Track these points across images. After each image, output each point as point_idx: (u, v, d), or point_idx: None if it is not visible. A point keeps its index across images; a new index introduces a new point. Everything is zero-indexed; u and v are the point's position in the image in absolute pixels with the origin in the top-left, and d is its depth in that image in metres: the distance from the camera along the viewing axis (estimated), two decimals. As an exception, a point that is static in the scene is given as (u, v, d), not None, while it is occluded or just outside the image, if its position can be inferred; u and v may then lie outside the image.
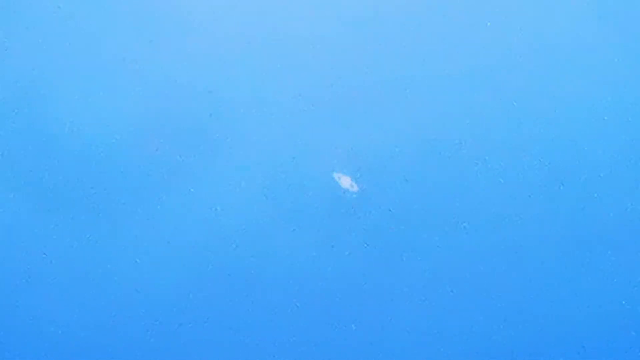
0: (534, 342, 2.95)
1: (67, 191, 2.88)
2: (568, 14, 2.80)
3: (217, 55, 2.84)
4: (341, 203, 2.88)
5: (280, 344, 2.96)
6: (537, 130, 2.85)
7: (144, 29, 2.82)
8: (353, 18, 2.82)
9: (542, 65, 2.83)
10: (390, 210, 2.89)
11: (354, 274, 2.93)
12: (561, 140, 2.86)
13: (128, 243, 2.92)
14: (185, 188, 2.89)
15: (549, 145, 2.86)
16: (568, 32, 2.81)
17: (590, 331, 2.93)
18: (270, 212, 2.90)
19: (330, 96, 2.85)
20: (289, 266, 2.93)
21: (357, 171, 2.87)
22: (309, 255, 2.92)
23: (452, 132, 2.85)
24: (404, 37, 2.82)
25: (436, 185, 2.88)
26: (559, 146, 2.86)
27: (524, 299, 2.93)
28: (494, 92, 2.84)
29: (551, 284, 2.92)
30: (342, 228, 2.90)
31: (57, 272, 2.91)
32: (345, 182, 2.87)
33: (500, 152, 2.86)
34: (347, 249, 2.92)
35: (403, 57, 2.83)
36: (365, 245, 2.91)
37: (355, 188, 2.87)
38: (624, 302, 2.92)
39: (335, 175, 2.87)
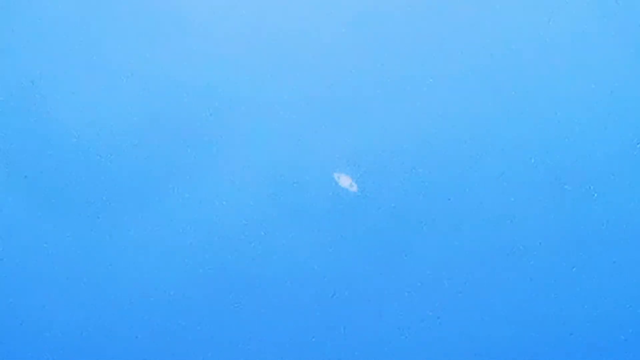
0: (534, 342, 2.95)
1: (67, 191, 2.88)
2: (568, 14, 2.80)
3: (217, 54, 2.84)
4: (341, 203, 2.88)
5: (280, 344, 2.97)
6: (537, 130, 2.85)
7: (144, 29, 2.82)
8: (353, 18, 2.81)
9: (542, 65, 2.83)
10: (390, 210, 2.89)
11: (353, 273, 2.94)
12: (561, 140, 2.85)
13: (128, 243, 2.92)
14: (185, 188, 2.89)
15: (549, 145, 2.86)
16: (568, 32, 2.81)
17: (590, 331, 2.94)
18: (270, 212, 2.90)
19: (330, 96, 2.85)
20: (289, 266, 2.93)
21: (357, 171, 2.87)
22: (309, 255, 2.93)
23: (452, 132, 2.85)
24: (404, 37, 2.82)
25: (436, 185, 2.88)
26: (559, 146, 2.86)
27: (524, 298, 2.93)
28: (494, 92, 2.83)
29: (551, 284, 2.92)
30: (342, 228, 2.91)
31: (57, 272, 2.92)
32: (345, 182, 2.87)
33: (500, 152, 2.86)
34: (347, 248, 2.92)
35: (403, 57, 2.83)
36: (365, 245, 2.91)
37: (355, 188, 2.87)
38: (624, 302, 2.92)
39: (335, 175, 2.87)
